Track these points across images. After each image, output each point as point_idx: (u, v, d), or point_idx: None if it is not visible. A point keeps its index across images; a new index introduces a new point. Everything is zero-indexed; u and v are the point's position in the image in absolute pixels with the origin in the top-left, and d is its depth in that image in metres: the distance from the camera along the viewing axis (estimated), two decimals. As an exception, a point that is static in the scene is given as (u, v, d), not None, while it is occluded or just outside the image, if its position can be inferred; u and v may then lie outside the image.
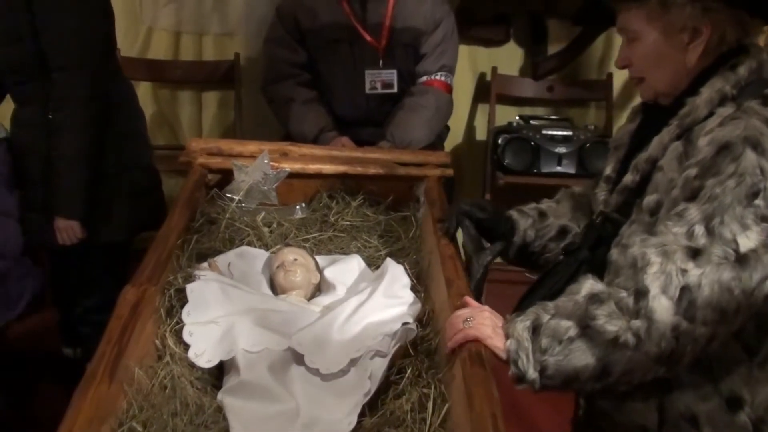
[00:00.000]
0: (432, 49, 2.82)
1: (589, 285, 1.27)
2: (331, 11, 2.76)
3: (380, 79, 2.80)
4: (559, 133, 3.32)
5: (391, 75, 2.81)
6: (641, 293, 1.21)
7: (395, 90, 2.82)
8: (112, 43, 2.45)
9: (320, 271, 1.86)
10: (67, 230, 2.31)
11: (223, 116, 3.59)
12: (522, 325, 1.28)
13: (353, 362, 1.52)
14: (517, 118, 3.47)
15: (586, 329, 1.23)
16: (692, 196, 1.24)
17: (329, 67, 2.81)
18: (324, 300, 1.80)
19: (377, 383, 1.47)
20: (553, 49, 3.52)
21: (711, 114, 1.30)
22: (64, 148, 2.26)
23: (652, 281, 1.20)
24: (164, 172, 2.69)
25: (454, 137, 3.56)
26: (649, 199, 1.34)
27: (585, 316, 1.24)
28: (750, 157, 1.21)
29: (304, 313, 1.68)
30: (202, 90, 3.57)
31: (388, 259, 1.79)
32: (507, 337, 1.29)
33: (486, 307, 1.40)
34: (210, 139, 2.26)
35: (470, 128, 3.66)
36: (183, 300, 1.61)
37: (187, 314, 1.58)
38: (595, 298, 1.25)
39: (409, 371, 1.49)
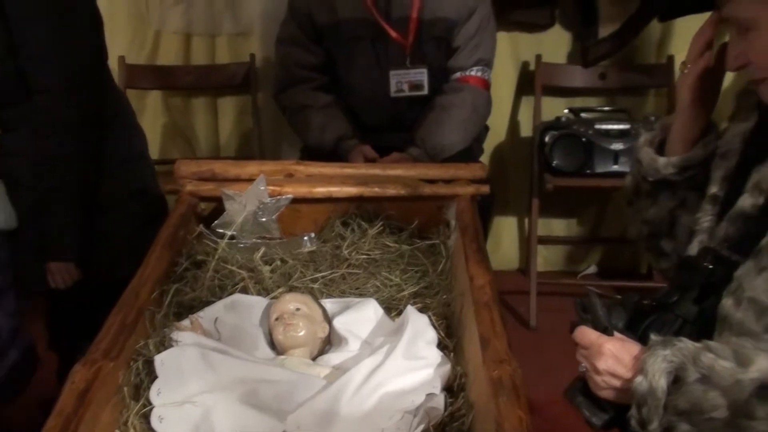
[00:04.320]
0: (466, 41, 2.49)
1: (764, 366, 0.95)
2: (351, 4, 2.43)
3: (407, 80, 2.48)
4: (615, 126, 2.92)
5: (421, 75, 2.48)
6: None
7: (425, 91, 2.49)
8: (103, 55, 2.14)
9: (329, 321, 1.53)
10: (61, 273, 2.02)
11: (242, 124, 3.29)
12: (661, 366, 1.04)
13: (364, 451, 1.20)
14: (567, 111, 3.10)
15: (738, 423, 0.95)
16: None
17: (349, 68, 2.50)
18: (333, 358, 1.47)
19: (393, 485, 1.15)
20: (604, 31, 3.10)
21: None
22: (53, 182, 1.96)
23: None
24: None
25: (496, 136, 3.20)
26: None
27: (744, 408, 0.95)
28: None
29: (306, 381, 1.35)
30: (216, 96, 3.27)
31: (409, 308, 1.46)
32: (640, 371, 1.06)
33: (608, 347, 1.11)
34: (202, 160, 1.94)
35: (513, 125, 3.28)
36: (155, 373, 1.30)
37: (157, 393, 1.27)
38: (765, 391, 0.94)
39: (434, 465, 1.16)
